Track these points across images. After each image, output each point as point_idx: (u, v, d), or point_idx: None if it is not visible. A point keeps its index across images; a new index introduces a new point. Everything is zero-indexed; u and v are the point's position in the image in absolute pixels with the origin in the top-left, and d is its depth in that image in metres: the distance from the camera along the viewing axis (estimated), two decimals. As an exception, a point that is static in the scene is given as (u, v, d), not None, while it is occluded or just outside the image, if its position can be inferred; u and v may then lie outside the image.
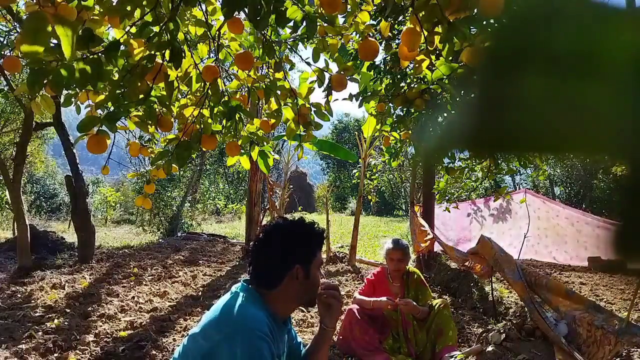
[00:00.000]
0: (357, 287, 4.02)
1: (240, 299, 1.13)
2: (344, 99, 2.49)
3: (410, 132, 2.61)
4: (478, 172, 4.17)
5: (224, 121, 1.70)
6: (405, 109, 2.32)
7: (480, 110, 0.21)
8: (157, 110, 1.55)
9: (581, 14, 0.19)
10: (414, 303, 2.45)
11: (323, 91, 1.77)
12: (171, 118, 1.67)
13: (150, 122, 1.52)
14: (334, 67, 1.78)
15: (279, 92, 1.83)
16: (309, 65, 1.75)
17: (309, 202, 19.99)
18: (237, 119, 1.69)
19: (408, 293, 2.62)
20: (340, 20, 1.70)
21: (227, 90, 1.79)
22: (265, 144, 2.05)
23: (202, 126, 1.71)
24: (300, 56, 1.94)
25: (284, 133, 2.40)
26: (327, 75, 1.73)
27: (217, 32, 1.67)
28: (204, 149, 1.74)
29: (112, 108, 1.36)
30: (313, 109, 1.86)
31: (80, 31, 1.08)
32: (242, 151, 1.95)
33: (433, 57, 1.57)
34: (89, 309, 3.22)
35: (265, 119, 1.97)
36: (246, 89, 1.90)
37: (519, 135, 0.20)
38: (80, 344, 2.55)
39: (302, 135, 1.90)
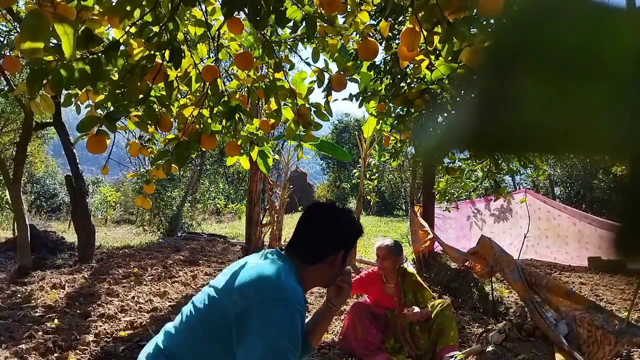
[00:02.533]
0: (357, 287, 4.02)
1: (281, 267, 1.13)
2: (344, 99, 2.50)
3: (410, 132, 2.61)
4: (478, 172, 4.17)
5: (224, 121, 1.70)
6: (405, 109, 2.32)
7: (480, 110, 0.21)
8: (157, 110, 1.55)
9: (581, 14, 0.19)
10: (419, 310, 2.44)
11: (323, 91, 1.77)
12: (171, 118, 1.67)
13: (150, 122, 1.53)
14: (333, 67, 1.78)
15: (278, 92, 1.83)
16: (309, 65, 1.75)
17: (309, 202, 19.93)
18: (237, 119, 1.69)
19: (405, 296, 2.56)
20: (340, 20, 1.70)
21: (227, 90, 1.79)
22: (265, 144, 2.05)
23: (201, 126, 1.71)
24: (300, 56, 1.94)
25: (284, 133, 2.40)
26: (326, 75, 1.73)
27: (217, 32, 1.67)
28: (203, 149, 1.74)
29: (112, 108, 1.36)
30: (313, 109, 1.86)
31: (80, 31, 1.08)
32: (242, 151, 1.95)
33: (433, 57, 1.57)
34: (89, 309, 3.22)
35: (265, 119, 1.97)
36: (246, 89, 1.90)
37: (518, 135, 0.20)
38: (80, 344, 2.55)
39: (302, 135, 1.91)
